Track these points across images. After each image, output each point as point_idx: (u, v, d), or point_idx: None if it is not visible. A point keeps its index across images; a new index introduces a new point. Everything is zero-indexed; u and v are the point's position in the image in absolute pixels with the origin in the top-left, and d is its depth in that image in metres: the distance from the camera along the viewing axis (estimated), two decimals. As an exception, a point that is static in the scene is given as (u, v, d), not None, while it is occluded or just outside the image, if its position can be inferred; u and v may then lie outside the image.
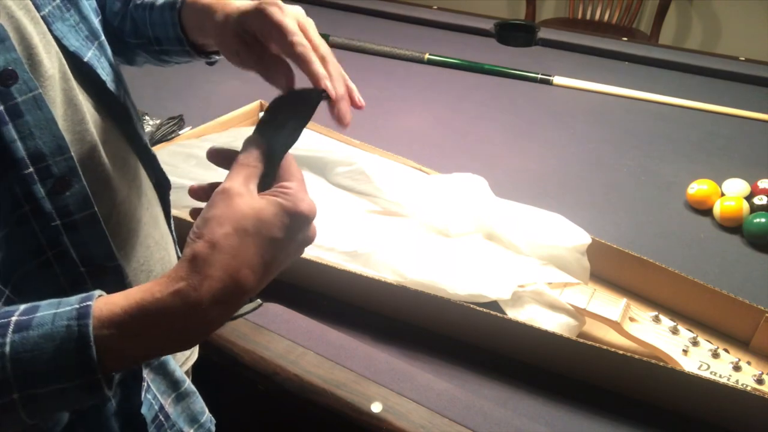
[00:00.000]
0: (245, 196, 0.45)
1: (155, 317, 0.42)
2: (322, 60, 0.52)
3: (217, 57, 0.67)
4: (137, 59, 0.70)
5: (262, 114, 0.52)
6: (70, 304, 0.42)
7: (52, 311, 0.42)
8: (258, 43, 0.55)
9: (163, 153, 1.14)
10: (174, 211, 0.73)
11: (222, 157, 0.53)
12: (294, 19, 0.53)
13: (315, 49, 0.52)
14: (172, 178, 0.70)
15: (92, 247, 0.51)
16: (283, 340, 0.80)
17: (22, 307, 0.43)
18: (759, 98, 1.51)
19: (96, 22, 0.58)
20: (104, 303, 0.42)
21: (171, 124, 1.29)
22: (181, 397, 0.65)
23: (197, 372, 0.77)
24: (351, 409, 0.72)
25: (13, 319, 0.41)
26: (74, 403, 0.43)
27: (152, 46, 0.66)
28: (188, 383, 0.66)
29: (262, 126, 0.51)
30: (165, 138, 1.25)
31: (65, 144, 0.48)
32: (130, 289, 0.44)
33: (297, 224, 0.46)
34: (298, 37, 0.51)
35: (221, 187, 0.46)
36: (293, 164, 0.49)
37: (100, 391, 0.42)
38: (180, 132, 1.29)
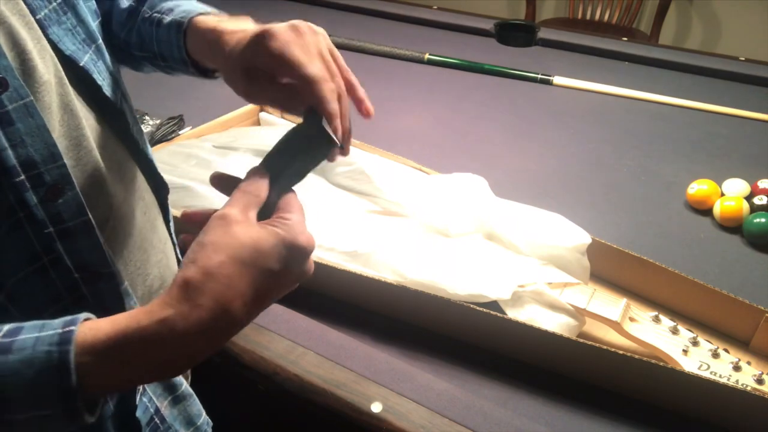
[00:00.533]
0: (243, 224, 0.44)
1: (139, 345, 0.41)
2: (337, 84, 0.51)
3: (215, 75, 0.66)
4: (144, 68, 0.70)
5: (274, 144, 0.51)
6: (53, 327, 0.41)
7: (34, 335, 0.40)
8: (264, 74, 0.54)
9: (163, 153, 1.14)
10: (174, 211, 0.73)
11: (225, 183, 0.52)
12: (297, 44, 0.51)
13: (331, 74, 0.51)
14: (172, 178, 0.70)
15: (85, 254, 0.51)
16: (283, 340, 0.80)
17: (6, 327, 0.42)
18: (759, 98, 1.51)
19: (94, 25, 0.57)
20: (89, 328, 0.41)
21: (171, 124, 1.29)
22: (177, 399, 0.64)
23: (197, 372, 0.77)
24: (351, 409, 0.72)
25: None
26: (54, 429, 0.41)
27: (158, 61, 0.65)
28: (185, 386, 0.65)
29: (270, 157, 0.50)
30: (165, 138, 1.25)
31: (58, 151, 0.48)
32: (117, 315, 0.42)
33: (294, 257, 0.44)
34: (311, 68, 0.50)
35: (220, 212, 0.45)
36: (294, 197, 0.48)
37: (81, 419, 0.41)
38: (180, 132, 1.29)
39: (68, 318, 0.42)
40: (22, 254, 0.48)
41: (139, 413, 0.59)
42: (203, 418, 0.68)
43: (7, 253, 0.47)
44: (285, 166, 0.49)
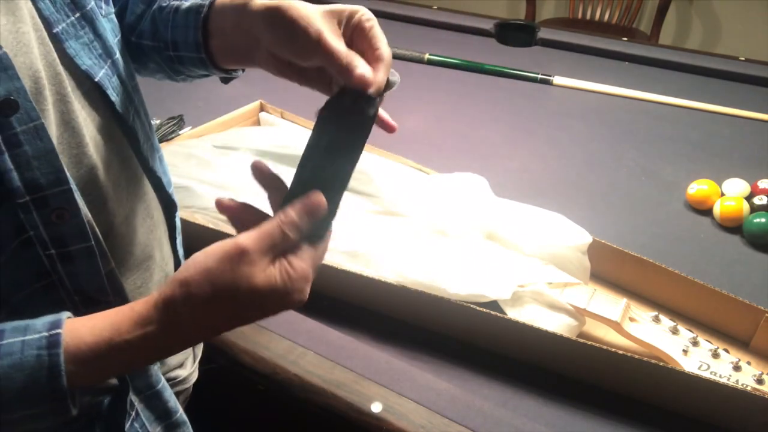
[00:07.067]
0: (253, 267, 0.44)
1: (121, 354, 0.44)
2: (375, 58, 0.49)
3: (234, 74, 0.64)
4: (149, 65, 0.67)
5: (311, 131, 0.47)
6: (38, 330, 0.42)
7: (19, 338, 0.42)
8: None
9: (163, 153, 1.13)
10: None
11: (266, 180, 0.51)
12: (319, 20, 0.49)
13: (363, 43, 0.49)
14: (172, 178, 0.70)
15: (83, 280, 0.51)
16: (283, 340, 0.80)
17: None
18: (759, 98, 1.51)
19: (114, 40, 0.56)
20: (71, 337, 0.43)
21: (171, 124, 1.29)
22: (171, 426, 0.63)
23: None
24: (351, 409, 0.72)
25: None
26: (43, 423, 0.44)
27: (167, 51, 0.63)
28: (180, 413, 0.64)
29: (312, 157, 0.46)
30: (165, 138, 1.25)
31: (65, 176, 0.47)
32: (96, 321, 0.44)
33: (279, 305, 0.46)
34: (331, 44, 0.48)
35: (239, 241, 0.44)
36: (320, 243, 0.48)
37: (68, 413, 0.44)
38: (180, 132, 1.29)
39: (51, 319, 0.43)
40: (30, 271, 0.48)
41: None
42: None
43: (15, 270, 0.47)
44: (328, 165, 0.46)
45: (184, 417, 0.65)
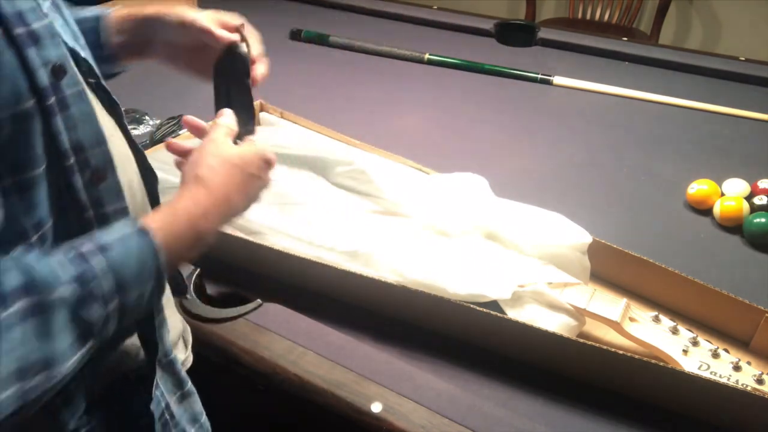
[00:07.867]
0: (227, 144, 0.61)
1: (185, 219, 0.53)
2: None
3: (124, 68, 0.72)
4: None
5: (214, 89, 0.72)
6: (123, 229, 0.49)
7: (112, 237, 0.48)
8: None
9: (163, 153, 1.13)
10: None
11: (194, 128, 0.69)
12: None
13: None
14: (171, 178, 0.70)
15: None
16: (283, 340, 0.80)
17: (77, 240, 0.47)
18: (759, 98, 1.51)
19: (75, 26, 0.59)
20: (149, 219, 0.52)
21: (171, 124, 1.29)
22: (184, 396, 0.66)
23: (197, 371, 0.77)
24: (351, 409, 0.72)
25: (86, 249, 0.46)
26: (147, 304, 0.51)
27: None
28: (190, 384, 0.67)
29: (221, 98, 0.69)
30: (165, 138, 1.25)
31: (102, 136, 0.51)
32: (157, 210, 0.54)
33: (265, 165, 0.62)
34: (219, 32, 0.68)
35: (208, 137, 0.61)
36: (254, 126, 0.68)
37: (164, 289, 0.52)
38: (180, 132, 1.29)
39: (124, 221, 0.52)
40: (66, 237, 0.50)
41: (153, 406, 0.60)
42: (204, 417, 0.70)
43: (57, 238, 0.49)
44: (237, 97, 0.69)
45: (193, 388, 0.68)
